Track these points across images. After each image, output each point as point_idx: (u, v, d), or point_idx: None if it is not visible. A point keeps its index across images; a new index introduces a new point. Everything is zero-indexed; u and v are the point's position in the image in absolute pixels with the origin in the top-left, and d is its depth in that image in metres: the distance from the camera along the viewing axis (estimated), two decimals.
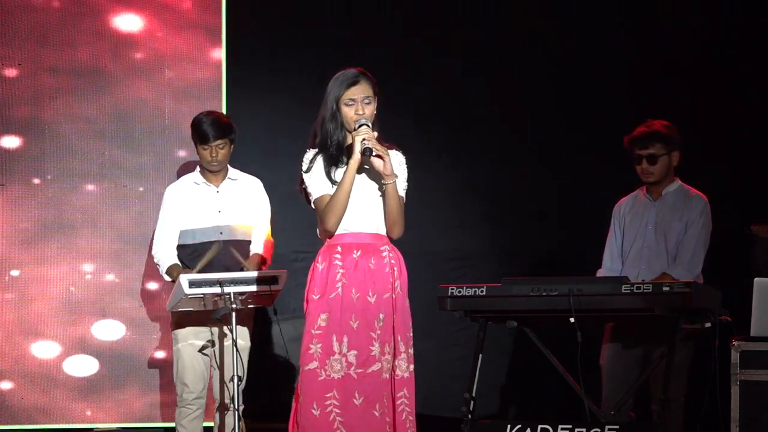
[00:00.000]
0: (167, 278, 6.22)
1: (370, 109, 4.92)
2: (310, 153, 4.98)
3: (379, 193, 4.96)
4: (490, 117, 7.98)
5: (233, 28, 7.60)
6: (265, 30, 7.97)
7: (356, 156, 4.83)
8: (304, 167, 4.96)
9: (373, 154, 4.84)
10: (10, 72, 7.49)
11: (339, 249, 4.91)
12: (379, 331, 4.87)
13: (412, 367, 4.93)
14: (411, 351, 4.95)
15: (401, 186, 4.99)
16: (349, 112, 4.91)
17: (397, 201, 4.92)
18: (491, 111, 7.97)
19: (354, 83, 4.91)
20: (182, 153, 7.49)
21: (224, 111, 7.36)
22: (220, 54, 7.57)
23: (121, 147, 7.54)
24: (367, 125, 4.87)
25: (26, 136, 7.49)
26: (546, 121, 7.92)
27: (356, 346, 4.84)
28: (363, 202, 4.93)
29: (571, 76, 7.88)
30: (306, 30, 7.97)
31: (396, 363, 4.90)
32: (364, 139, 4.83)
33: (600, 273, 6.25)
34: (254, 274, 5.87)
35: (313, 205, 4.97)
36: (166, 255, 6.22)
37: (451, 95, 7.97)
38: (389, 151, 4.95)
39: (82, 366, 7.43)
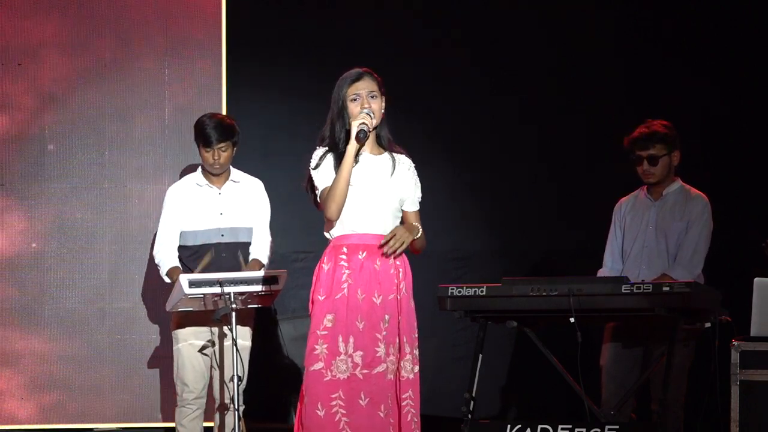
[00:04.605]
0: (167, 280, 6.21)
1: (376, 104, 4.91)
2: (319, 150, 4.96)
3: (385, 194, 4.95)
4: (491, 117, 7.98)
5: (233, 27, 7.60)
6: (266, 30, 7.97)
7: (352, 141, 4.83)
8: (313, 164, 4.94)
9: (367, 136, 4.83)
10: (10, 72, 7.48)
11: (345, 250, 4.90)
12: (384, 332, 4.87)
13: (417, 368, 4.93)
14: (416, 352, 4.94)
15: (416, 197, 5.02)
16: (354, 108, 4.90)
17: (421, 242, 4.97)
18: (491, 111, 7.98)
19: (358, 79, 4.91)
20: (182, 153, 7.49)
21: (224, 111, 7.36)
22: (220, 54, 7.56)
23: (122, 147, 7.54)
24: (369, 114, 4.87)
25: (26, 136, 7.49)
26: (546, 121, 7.92)
27: (362, 346, 4.84)
28: (368, 203, 4.92)
29: (572, 76, 7.88)
30: (306, 30, 7.98)
31: (401, 364, 4.89)
32: (361, 123, 4.83)
33: (601, 273, 6.24)
34: (254, 274, 5.87)
35: (319, 200, 4.96)
36: (166, 257, 6.21)
37: (452, 95, 7.98)
38: (398, 156, 5.00)
39: (82, 366, 7.43)
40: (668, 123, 6.19)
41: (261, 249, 6.26)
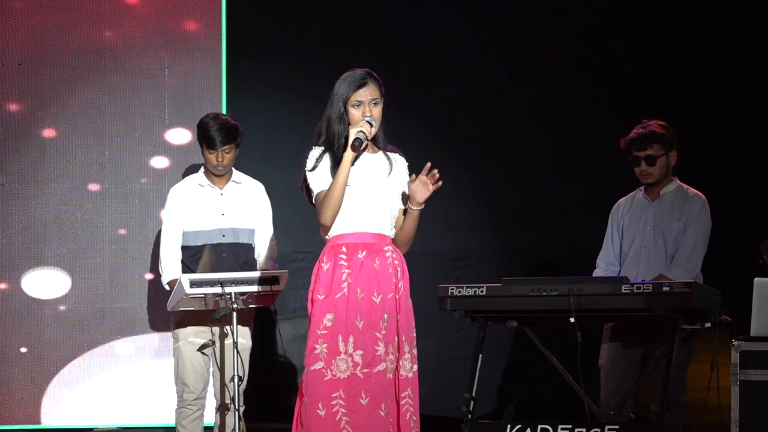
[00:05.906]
0: (167, 288, 6.20)
1: (377, 111, 4.91)
2: (316, 151, 4.95)
3: (382, 193, 4.95)
4: (490, 117, 7.98)
5: (233, 27, 7.60)
6: (266, 30, 7.97)
7: (348, 150, 4.82)
8: (309, 165, 4.93)
9: (363, 146, 4.84)
10: (10, 71, 7.48)
11: (344, 249, 4.90)
12: (383, 332, 4.87)
13: (415, 367, 4.93)
14: (414, 351, 4.94)
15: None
16: (356, 114, 4.89)
17: (416, 225, 4.99)
18: (491, 111, 7.98)
19: (362, 85, 4.89)
20: (182, 153, 7.49)
21: (224, 111, 7.36)
22: (220, 53, 7.57)
23: (122, 147, 7.54)
24: (370, 122, 4.87)
25: (26, 136, 7.49)
26: (546, 122, 7.92)
27: (362, 346, 4.84)
28: (367, 202, 4.92)
29: (572, 77, 7.89)
30: (306, 30, 7.98)
31: (400, 363, 4.89)
32: (359, 131, 4.83)
33: (595, 274, 6.23)
34: (255, 274, 5.87)
35: (314, 201, 4.96)
36: (170, 267, 6.18)
37: (452, 95, 7.98)
38: (393, 155, 5.00)
39: (82, 366, 7.43)
40: (665, 123, 6.18)
41: (268, 253, 6.26)
